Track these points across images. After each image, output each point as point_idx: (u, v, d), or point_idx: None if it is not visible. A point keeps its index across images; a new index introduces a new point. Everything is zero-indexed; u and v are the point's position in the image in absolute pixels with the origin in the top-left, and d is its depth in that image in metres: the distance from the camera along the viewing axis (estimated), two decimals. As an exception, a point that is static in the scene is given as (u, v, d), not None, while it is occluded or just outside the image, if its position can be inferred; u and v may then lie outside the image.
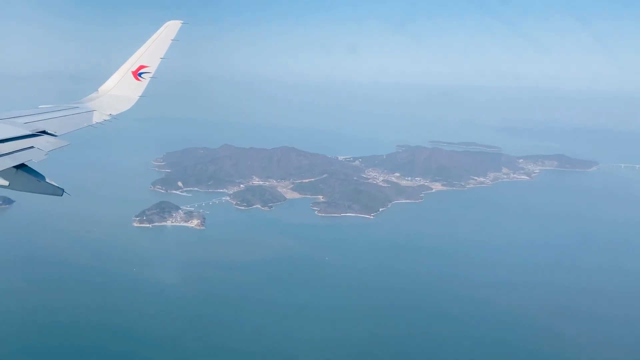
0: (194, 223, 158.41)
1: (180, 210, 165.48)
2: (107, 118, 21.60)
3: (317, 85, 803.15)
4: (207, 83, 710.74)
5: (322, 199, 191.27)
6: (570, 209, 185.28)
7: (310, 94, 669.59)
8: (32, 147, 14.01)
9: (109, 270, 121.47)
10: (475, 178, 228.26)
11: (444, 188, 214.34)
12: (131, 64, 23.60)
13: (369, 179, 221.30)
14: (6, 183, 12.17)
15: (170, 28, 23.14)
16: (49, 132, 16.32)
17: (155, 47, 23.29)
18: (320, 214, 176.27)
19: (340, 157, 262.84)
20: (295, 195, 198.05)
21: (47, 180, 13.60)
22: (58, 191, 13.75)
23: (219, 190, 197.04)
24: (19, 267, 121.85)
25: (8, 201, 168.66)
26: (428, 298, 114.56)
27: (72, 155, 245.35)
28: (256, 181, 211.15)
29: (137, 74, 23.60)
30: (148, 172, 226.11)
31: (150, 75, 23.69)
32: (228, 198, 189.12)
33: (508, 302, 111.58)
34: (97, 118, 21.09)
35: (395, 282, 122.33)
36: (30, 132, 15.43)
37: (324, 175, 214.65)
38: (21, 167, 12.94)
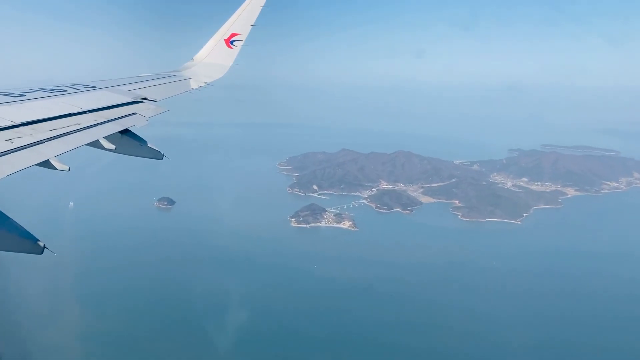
0: (346, 225, 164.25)
1: (327, 212, 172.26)
2: (203, 85, 22.01)
3: (391, 88, 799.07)
4: (290, 90, 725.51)
5: (458, 204, 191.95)
6: None
7: (390, 97, 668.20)
8: (134, 113, 14.69)
9: (293, 266, 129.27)
10: (608, 183, 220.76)
11: (578, 193, 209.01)
12: (223, 32, 23.96)
13: (499, 183, 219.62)
14: (113, 147, 12.45)
15: None
16: (149, 98, 16.96)
17: (246, 15, 23.51)
18: (463, 219, 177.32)
19: (457, 162, 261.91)
20: (429, 199, 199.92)
21: (149, 144, 14.11)
22: (158, 155, 14.25)
23: (352, 194, 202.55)
24: (208, 266, 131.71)
25: (170, 202, 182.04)
26: (606, 304, 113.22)
27: (197, 157, 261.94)
28: (385, 185, 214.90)
29: (230, 42, 23.93)
30: (277, 175, 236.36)
31: (242, 42, 23.97)
32: (365, 201, 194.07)
33: None
34: (193, 85, 21.51)
35: (568, 287, 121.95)
36: (132, 99, 16.09)
37: (453, 180, 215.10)
38: (125, 132, 13.51)
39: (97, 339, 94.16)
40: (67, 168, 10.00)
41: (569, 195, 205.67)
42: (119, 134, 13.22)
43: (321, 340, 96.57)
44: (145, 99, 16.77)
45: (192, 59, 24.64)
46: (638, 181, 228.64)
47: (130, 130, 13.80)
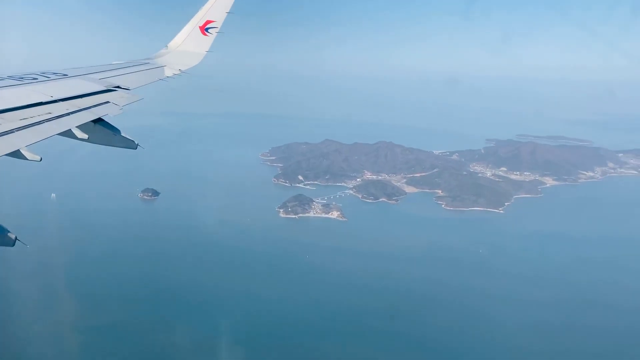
0: (335, 215, 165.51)
1: (315, 203, 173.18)
2: (177, 73, 21.87)
3: (369, 79, 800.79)
4: (269, 80, 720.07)
5: (441, 193, 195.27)
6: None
7: (369, 87, 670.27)
8: (108, 102, 14.51)
9: (286, 257, 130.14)
10: (584, 173, 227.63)
11: (556, 183, 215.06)
12: (198, 19, 23.76)
13: (479, 173, 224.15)
14: (85, 136, 12.33)
15: None
16: (122, 87, 16.74)
17: (222, 1, 23.53)
18: (447, 208, 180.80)
19: (436, 152, 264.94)
20: (413, 189, 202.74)
21: (123, 134, 14.01)
22: (132, 144, 14.17)
23: (338, 184, 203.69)
24: (199, 254, 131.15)
25: (155, 193, 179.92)
26: (589, 287, 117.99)
27: (178, 147, 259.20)
28: (369, 175, 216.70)
29: (204, 29, 23.74)
30: (261, 166, 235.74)
31: (217, 30, 23.83)
32: (351, 191, 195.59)
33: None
34: (167, 73, 21.41)
35: (554, 273, 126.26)
36: (105, 88, 15.85)
37: (435, 170, 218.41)
38: (98, 121, 13.43)
39: (86, 331, 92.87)
40: (38, 158, 9.91)
41: (547, 185, 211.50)
42: (92, 123, 13.12)
43: (318, 328, 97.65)
44: (118, 87, 16.53)
45: (166, 46, 24.39)
46: (612, 170, 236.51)
47: (103, 120, 13.66)
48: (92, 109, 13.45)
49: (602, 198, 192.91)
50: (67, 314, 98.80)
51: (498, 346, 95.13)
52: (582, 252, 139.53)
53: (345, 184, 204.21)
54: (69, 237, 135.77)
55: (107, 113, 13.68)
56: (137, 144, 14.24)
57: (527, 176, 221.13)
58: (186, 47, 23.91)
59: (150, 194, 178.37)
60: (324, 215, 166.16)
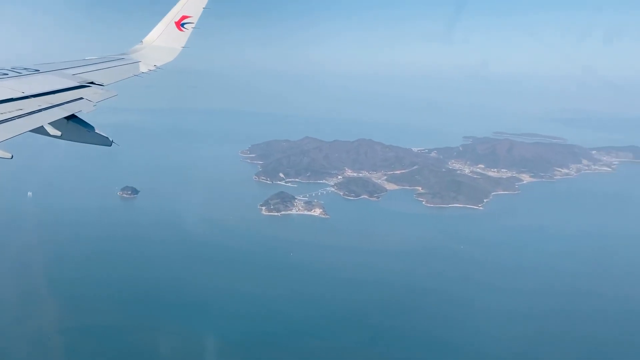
0: (317, 212, 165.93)
1: (297, 200, 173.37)
2: (153, 68, 21.57)
3: (347, 77, 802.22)
4: (269, 77, 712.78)
5: (422, 190, 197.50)
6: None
7: (347, 85, 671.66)
8: (81, 98, 14.17)
9: (270, 254, 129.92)
10: (560, 169, 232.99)
11: (533, 179, 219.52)
12: (174, 14, 23.49)
13: (457, 170, 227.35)
14: (58, 133, 12.23)
15: None
16: (96, 83, 16.47)
17: None
18: (428, 205, 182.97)
19: (415, 149, 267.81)
20: (393, 186, 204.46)
21: (97, 130, 13.83)
22: (107, 141, 13.96)
23: (319, 182, 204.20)
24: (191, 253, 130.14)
25: (134, 191, 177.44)
26: (569, 279, 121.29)
27: (157, 145, 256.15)
28: (350, 173, 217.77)
29: (180, 25, 23.49)
30: (241, 163, 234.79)
31: (193, 25, 23.59)
32: (333, 189, 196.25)
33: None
34: (142, 68, 21.07)
35: (532, 266, 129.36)
36: (78, 84, 15.53)
37: (415, 167, 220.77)
38: (72, 117, 13.18)
39: (66, 332, 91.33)
40: (9, 156, 9.84)
41: (524, 182, 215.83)
42: (65, 120, 12.84)
43: (305, 324, 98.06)
44: (92, 83, 16.21)
45: (141, 41, 24.06)
46: (586, 167, 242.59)
47: (76, 116, 13.38)
48: (65, 105, 13.06)
49: (578, 194, 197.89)
50: (46, 314, 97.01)
51: (480, 332, 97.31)
52: (559, 245, 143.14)
53: (326, 182, 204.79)
54: (48, 236, 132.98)
55: (80, 109, 13.32)
56: (112, 141, 14.00)
57: (504, 173, 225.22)
58: (161, 42, 23.68)
59: (129, 192, 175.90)
60: (306, 212, 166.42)
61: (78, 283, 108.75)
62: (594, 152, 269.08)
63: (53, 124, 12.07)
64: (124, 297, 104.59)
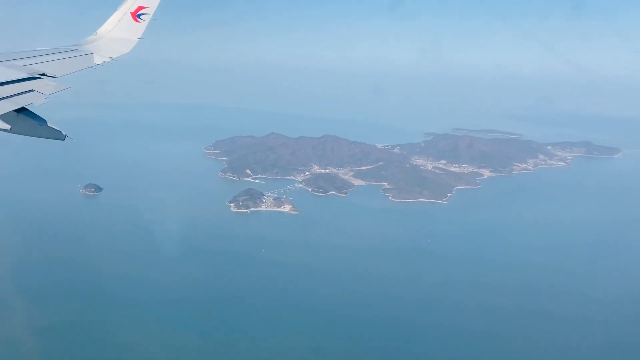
0: (287, 208, 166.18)
1: (266, 197, 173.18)
2: (108, 60, 21.06)
3: (309, 72, 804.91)
4: (207, 71, 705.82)
5: (388, 186, 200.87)
6: (622, 191, 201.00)
7: (310, 81, 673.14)
8: (32, 90, 13.69)
9: (241, 252, 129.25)
10: (518, 164, 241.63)
11: (493, 174, 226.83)
12: (130, 4, 22.98)
13: (420, 165, 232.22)
14: (8, 127, 11.85)
15: None
16: (48, 74, 15.94)
17: None
18: (394, 199, 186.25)
19: (379, 145, 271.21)
20: (360, 182, 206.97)
21: (49, 124, 13.34)
22: (60, 135, 13.44)
23: (286, 178, 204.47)
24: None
25: (97, 188, 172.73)
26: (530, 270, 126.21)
27: (117, 141, 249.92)
28: (317, 169, 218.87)
29: (136, 15, 22.95)
30: (206, 159, 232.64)
31: (150, 16, 23.10)
32: (301, 185, 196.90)
33: None
34: (97, 60, 20.48)
35: (496, 257, 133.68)
36: (29, 75, 15.01)
37: (380, 163, 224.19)
38: (22, 110, 12.76)
39: (32, 333, 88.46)
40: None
41: (485, 176, 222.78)
42: (15, 113, 12.40)
43: (279, 320, 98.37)
44: (43, 74, 15.62)
45: (95, 32, 23.28)
46: (543, 162, 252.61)
47: (27, 109, 12.95)
48: (14, 97, 12.56)
49: (535, 188, 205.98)
50: (9, 314, 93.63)
51: (446, 325, 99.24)
52: (519, 237, 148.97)
53: (294, 178, 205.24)
54: (9, 235, 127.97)
55: (31, 102, 12.81)
56: (66, 135, 13.51)
57: (466, 168, 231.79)
58: (117, 33, 22.94)
59: (93, 190, 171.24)
60: (276, 209, 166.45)
61: (38, 282, 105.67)
62: (549, 147, 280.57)
63: (2, 117, 11.62)
64: (86, 294, 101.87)
